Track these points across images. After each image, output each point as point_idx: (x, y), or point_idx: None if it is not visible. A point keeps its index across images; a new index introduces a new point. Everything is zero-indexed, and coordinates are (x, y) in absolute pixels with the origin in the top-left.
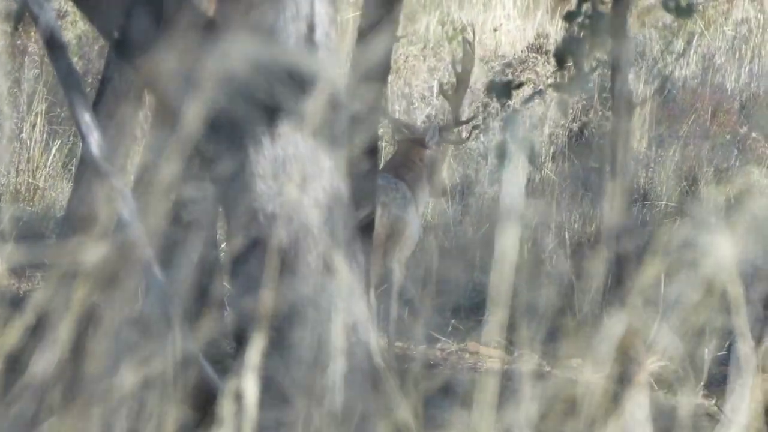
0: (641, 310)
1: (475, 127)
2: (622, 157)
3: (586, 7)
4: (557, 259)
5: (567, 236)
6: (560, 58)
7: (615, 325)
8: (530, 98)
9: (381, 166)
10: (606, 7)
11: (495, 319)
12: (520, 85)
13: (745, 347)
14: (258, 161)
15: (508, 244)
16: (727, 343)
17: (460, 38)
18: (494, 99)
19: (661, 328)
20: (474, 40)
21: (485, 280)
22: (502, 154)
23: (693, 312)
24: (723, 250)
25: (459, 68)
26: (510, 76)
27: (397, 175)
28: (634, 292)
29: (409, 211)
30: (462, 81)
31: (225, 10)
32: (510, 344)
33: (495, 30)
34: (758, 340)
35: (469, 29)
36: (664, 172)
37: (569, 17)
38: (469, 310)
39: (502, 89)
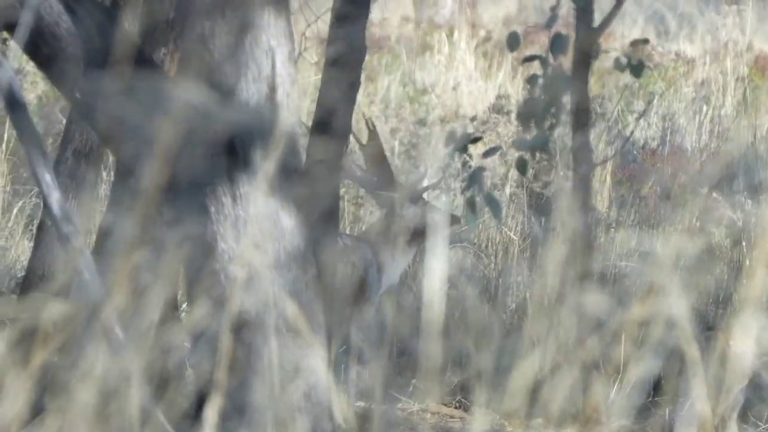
0: (602, 368)
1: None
2: (582, 217)
3: (548, 70)
4: (518, 319)
5: (528, 295)
6: (524, 120)
7: (573, 384)
8: (490, 152)
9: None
10: (567, 68)
11: (448, 380)
12: (477, 139)
13: (699, 406)
14: (219, 222)
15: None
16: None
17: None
18: (453, 156)
19: (623, 387)
20: (438, 100)
21: (447, 340)
22: (472, 206)
23: (653, 370)
24: (680, 310)
25: (369, 150)
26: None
27: (366, 236)
28: (595, 350)
29: (370, 273)
30: (375, 159)
31: (187, 70)
32: (471, 404)
33: (453, 89)
34: (715, 399)
35: (430, 90)
36: (624, 233)
37: (531, 81)
38: (431, 369)
39: (460, 142)
